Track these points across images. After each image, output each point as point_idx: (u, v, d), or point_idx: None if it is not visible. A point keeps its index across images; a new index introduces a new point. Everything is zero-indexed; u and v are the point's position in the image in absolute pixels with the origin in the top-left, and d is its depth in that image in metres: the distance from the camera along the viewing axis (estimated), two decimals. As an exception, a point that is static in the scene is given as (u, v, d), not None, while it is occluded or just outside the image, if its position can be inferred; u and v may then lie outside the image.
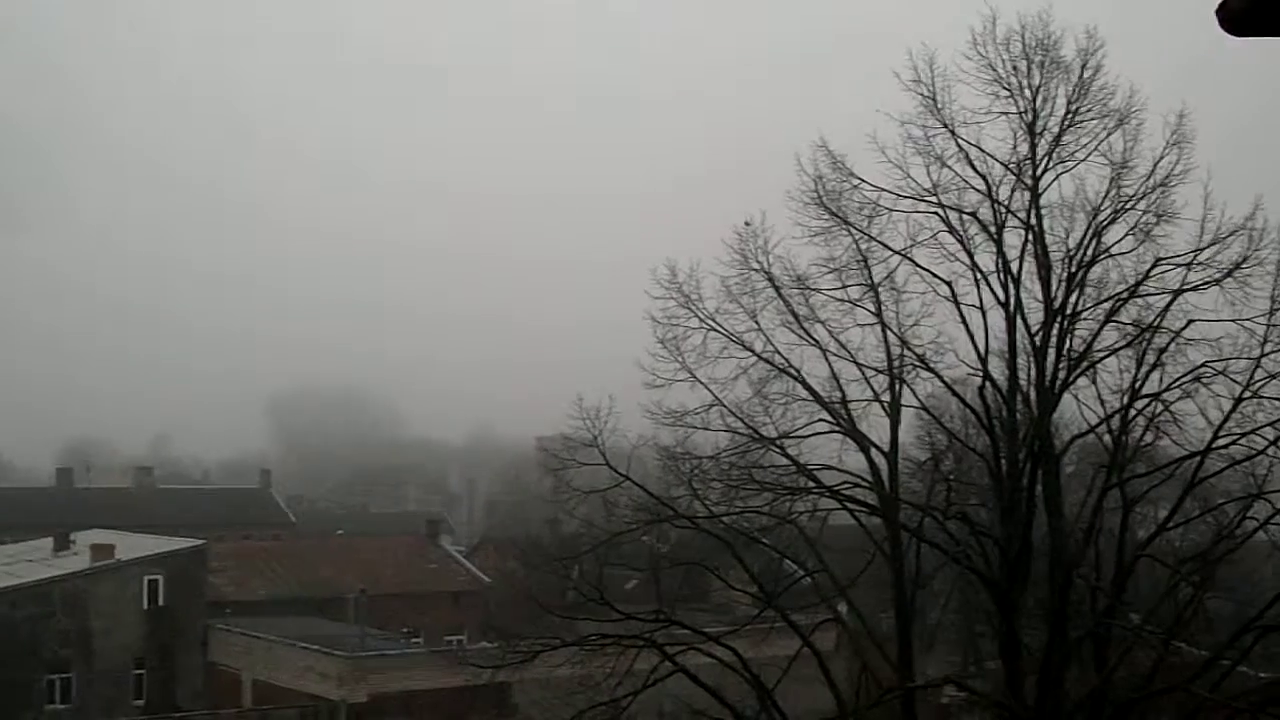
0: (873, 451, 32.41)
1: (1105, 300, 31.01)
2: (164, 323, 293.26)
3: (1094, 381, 31.51)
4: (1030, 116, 30.37)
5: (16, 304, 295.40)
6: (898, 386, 32.28)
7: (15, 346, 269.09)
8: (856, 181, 31.49)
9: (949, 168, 30.88)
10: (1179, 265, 30.20)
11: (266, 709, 54.91)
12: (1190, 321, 29.86)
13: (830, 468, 32.98)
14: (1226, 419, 29.50)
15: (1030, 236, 30.75)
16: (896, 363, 32.00)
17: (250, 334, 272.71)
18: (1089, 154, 30.62)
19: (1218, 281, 29.72)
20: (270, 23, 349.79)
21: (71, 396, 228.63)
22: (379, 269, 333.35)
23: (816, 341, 32.35)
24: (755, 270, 32.05)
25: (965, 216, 31.01)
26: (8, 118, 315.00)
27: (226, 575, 72.90)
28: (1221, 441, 29.95)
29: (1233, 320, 29.59)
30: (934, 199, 31.00)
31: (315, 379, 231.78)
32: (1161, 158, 30.07)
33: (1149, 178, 30.25)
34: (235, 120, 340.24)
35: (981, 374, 31.43)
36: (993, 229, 30.86)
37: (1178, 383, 30.22)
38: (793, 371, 32.29)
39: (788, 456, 32.48)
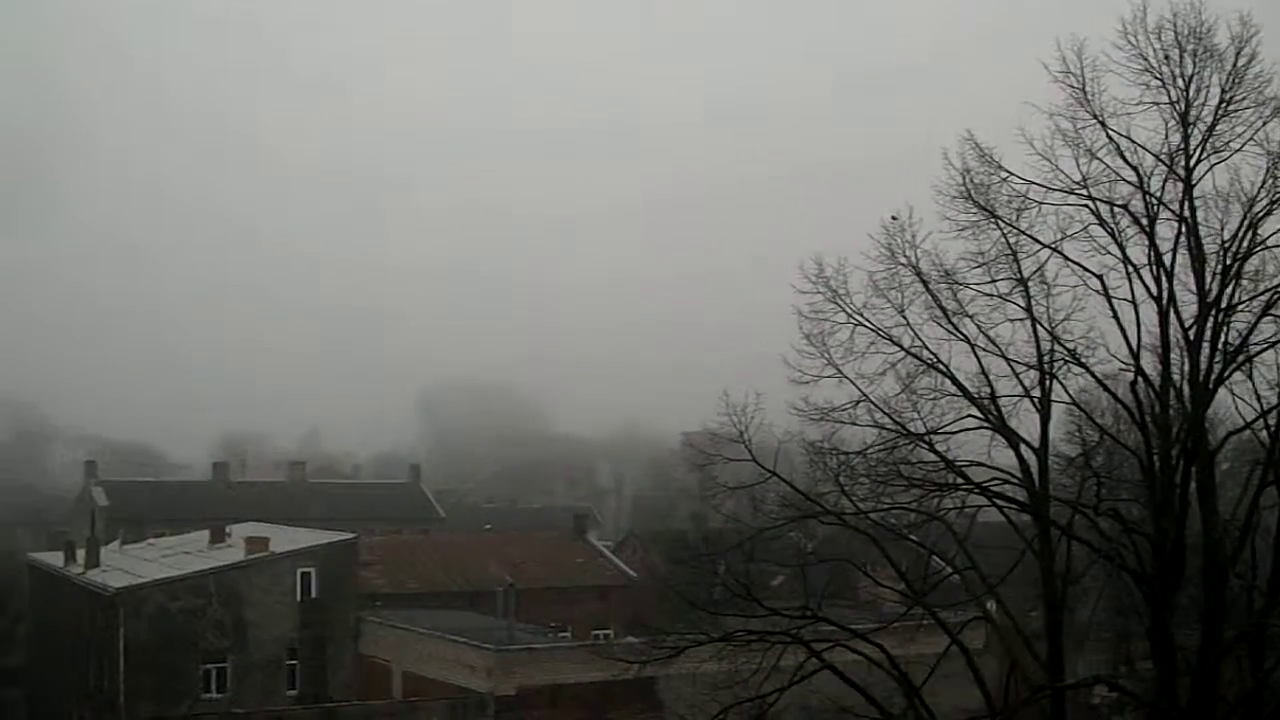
0: (1022, 448, 32.09)
1: (1262, 293, 30.37)
2: (317, 319, 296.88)
3: (1250, 376, 30.93)
4: (1183, 106, 29.83)
5: (177, 303, 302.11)
6: (1048, 382, 31.89)
7: (174, 345, 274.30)
8: (1005, 175, 31.16)
9: (1099, 160, 30.45)
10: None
11: (416, 700, 55.49)
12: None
13: (979, 464, 32.67)
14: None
15: (1183, 228, 30.22)
16: (1046, 358, 31.61)
17: (403, 330, 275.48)
18: (1244, 144, 30.01)
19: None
20: None
21: (227, 393, 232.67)
22: (534, 267, 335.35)
23: (965, 336, 32.07)
24: (902, 265, 31.83)
25: (1116, 209, 30.56)
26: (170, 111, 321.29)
27: (377, 568, 73.80)
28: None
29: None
30: (1084, 191, 30.57)
31: (466, 374, 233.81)
32: (1322, 146, 29.43)
33: (1308, 168, 29.61)
34: (391, 108, 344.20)
35: (1134, 369, 30.97)
36: (1144, 221, 30.37)
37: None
38: (941, 367, 32.05)
39: (936, 453, 32.26)
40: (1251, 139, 29.91)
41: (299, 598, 64.39)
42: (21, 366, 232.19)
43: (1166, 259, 30.33)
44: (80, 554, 75.08)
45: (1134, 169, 30.25)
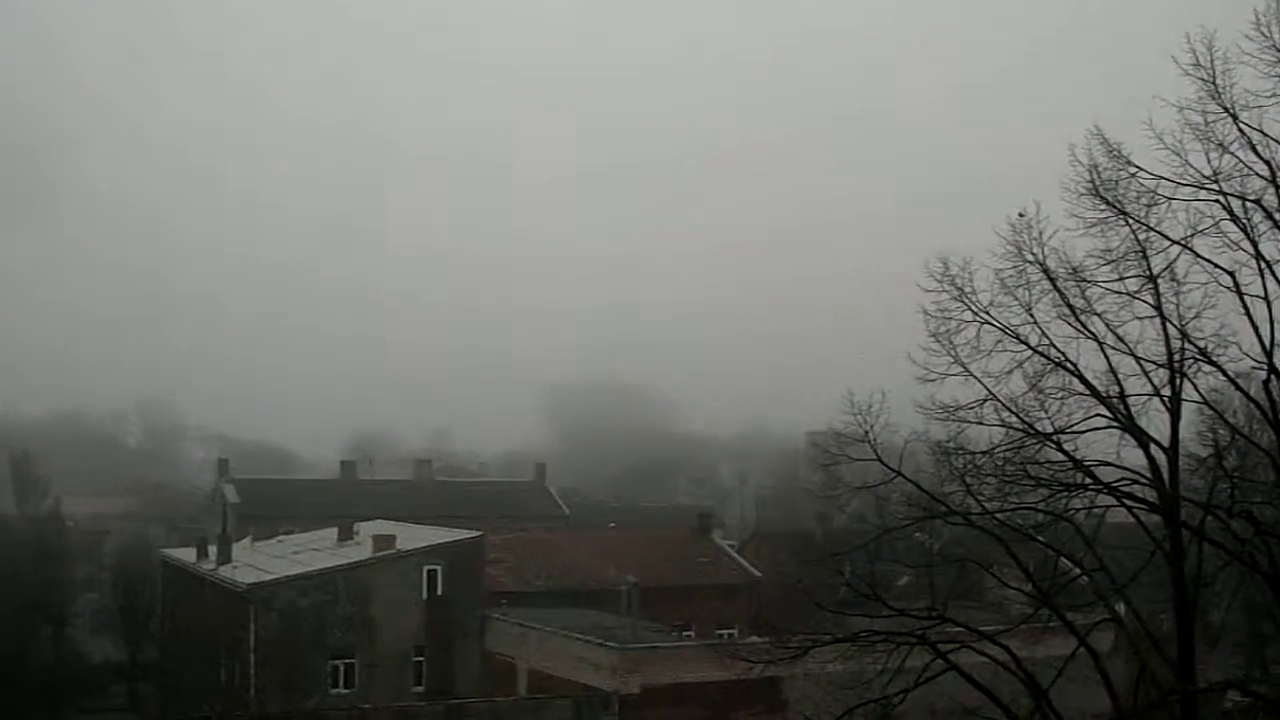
0: (1152, 447, 31.59)
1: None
2: (444, 318, 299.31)
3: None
4: (1317, 98, 29.19)
5: (307, 305, 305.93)
6: (1178, 380, 31.35)
7: (304, 345, 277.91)
8: (1134, 170, 30.68)
9: (1231, 154, 29.85)
10: None
11: (541, 697, 55.76)
12: None
13: (1108, 464, 32.20)
14: None
15: (1318, 223, 29.62)
16: (1177, 356, 31.08)
17: (530, 329, 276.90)
18: (1382, 136, 29.32)
19: None
20: None
21: (356, 392, 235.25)
22: (655, 266, 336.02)
23: (1093, 335, 31.63)
24: (1030, 262, 31.44)
25: (1248, 204, 29.97)
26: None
27: (503, 566, 74.26)
28: None
29: None
30: (1215, 186, 29.99)
31: (592, 374, 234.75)
32: None
33: None
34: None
35: (1267, 367, 30.36)
36: (1278, 216, 29.80)
37: None
38: (1069, 365, 31.64)
39: (1064, 452, 31.87)
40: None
41: (425, 595, 64.92)
42: (155, 368, 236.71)
43: (1301, 255, 29.74)
44: (212, 550, 76.35)
45: (1267, 163, 29.63)
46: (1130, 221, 30.85)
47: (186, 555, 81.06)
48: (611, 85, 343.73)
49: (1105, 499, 32.91)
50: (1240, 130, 29.61)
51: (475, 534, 69.89)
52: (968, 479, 32.16)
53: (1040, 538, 34.21)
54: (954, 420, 31.97)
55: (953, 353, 31.41)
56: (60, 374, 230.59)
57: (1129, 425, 31.58)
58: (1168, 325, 30.93)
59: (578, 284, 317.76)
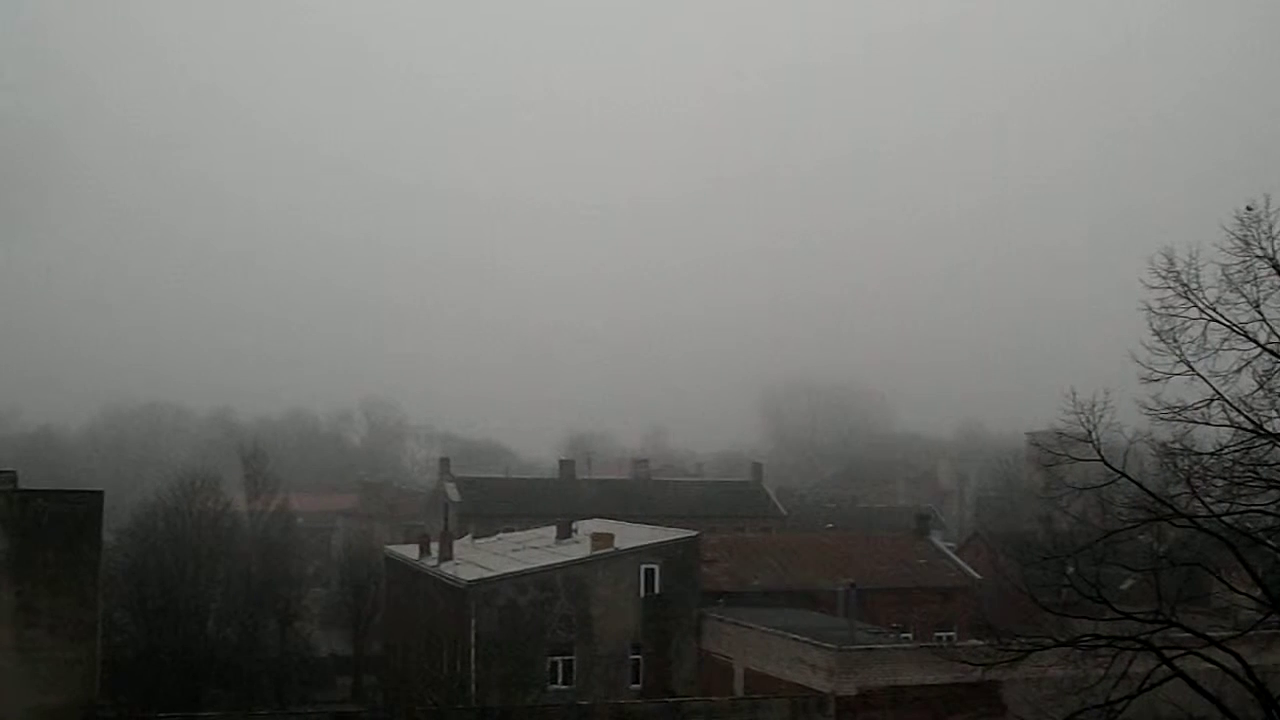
0: (1391, 449, 30.54)
1: None
2: (661, 321, 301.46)
3: None
4: None
5: (526, 307, 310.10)
6: None
7: (523, 346, 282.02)
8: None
9: None
10: None
11: (757, 697, 55.66)
12: None
13: (1342, 464, 31.22)
14: None
15: None
16: None
17: (745, 330, 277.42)
18: None
19: None
20: None
21: (575, 393, 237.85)
22: (866, 265, 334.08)
23: (1327, 332, 30.65)
24: (1259, 257, 30.53)
25: None
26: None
27: (719, 566, 74.32)
28: None
29: None
30: None
31: (808, 374, 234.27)
32: None
33: None
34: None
35: None
36: None
37: None
38: (1300, 363, 30.69)
39: (1296, 453, 30.96)
40: None
41: (643, 593, 65.25)
42: (381, 368, 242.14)
43: None
44: (434, 547, 77.73)
45: None
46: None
47: (409, 552, 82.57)
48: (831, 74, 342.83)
49: (1340, 501, 31.87)
50: None
51: (692, 533, 70.00)
52: (1194, 480, 31.36)
53: (1270, 541, 33.25)
54: (1180, 420, 31.20)
55: (1178, 351, 30.64)
56: (288, 375, 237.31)
57: (1366, 427, 30.55)
58: None
59: (791, 285, 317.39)
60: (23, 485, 47.03)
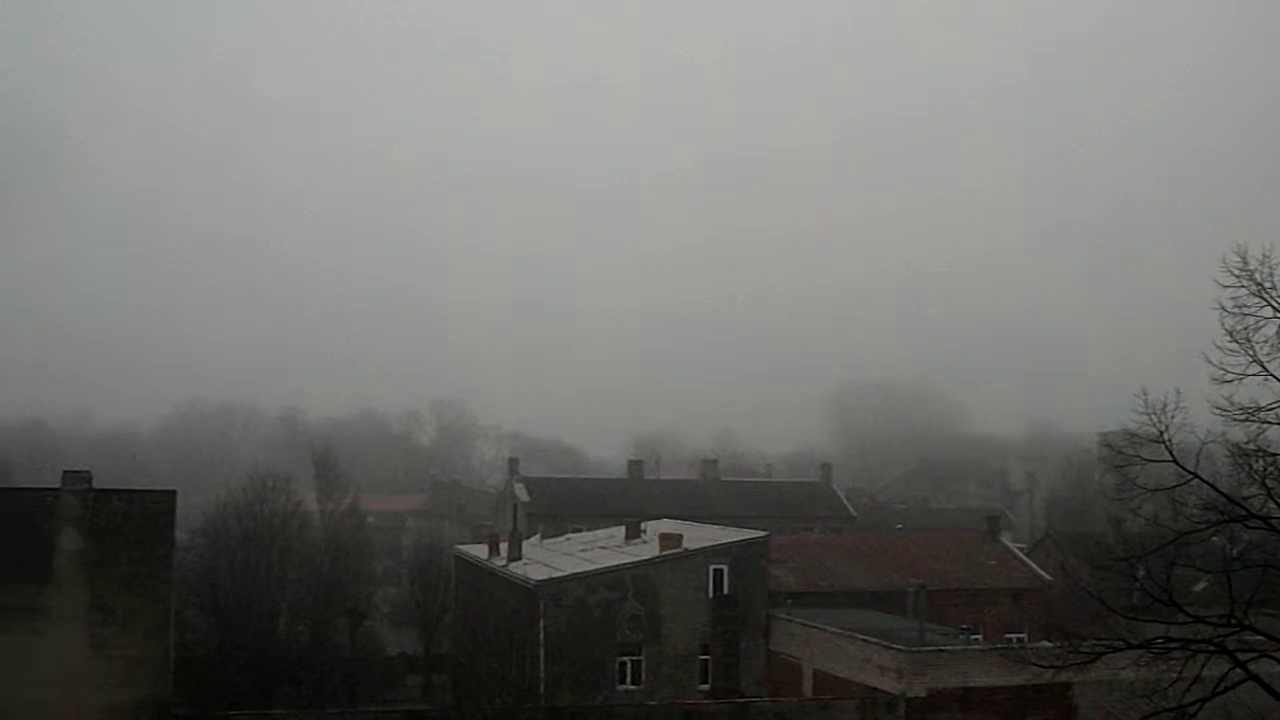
0: None
1: None
2: (729, 322, 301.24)
3: None
4: None
5: (593, 309, 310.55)
6: None
7: (591, 348, 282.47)
8: None
9: None
10: None
11: (826, 699, 55.55)
12: None
13: None
14: None
15: None
16: None
17: (814, 331, 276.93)
18: None
19: None
20: None
21: (643, 393, 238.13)
22: (937, 265, 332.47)
23: (1403, 332, 30.27)
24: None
25: None
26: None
27: (788, 566, 74.23)
28: None
29: None
30: None
31: (877, 375, 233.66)
32: None
33: None
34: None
35: None
36: None
37: None
38: (1377, 364, 30.34)
39: (1371, 456, 30.59)
40: None
41: (711, 594, 65.20)
42: (451, 368, 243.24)
43: None
44: (503, 547, 77.97)
45: None
46: None
47: (479, 551, 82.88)
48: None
49: None
50: None
51: (761, 534, 69.92)
52: (1268, 482, 31.06)
53: (1346, 544, 32.91)
54: (1253, 421, 30.92)
55: (1251, 352, 30.34)
56: (358, 377, 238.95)
57: None
58: None
59: (860, 286, 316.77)
60: (97, 485, 47.52)
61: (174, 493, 48.85)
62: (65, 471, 48.46)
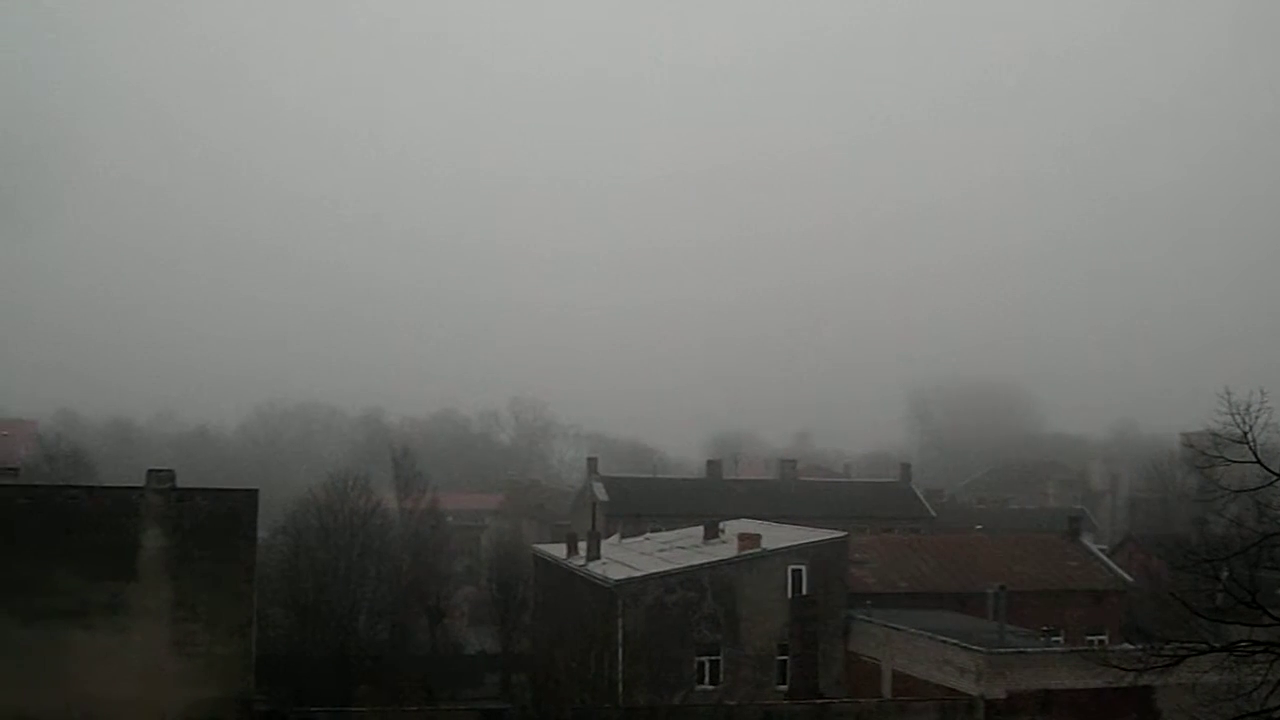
0: None
1: None
2: (806, 322, 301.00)
3: None
4: None
5: (674, 310, 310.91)
6: None
7: (671, 348, 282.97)
8: None
9: None
10: None
11: (905, 700, 55.37)
12: None
13: None
14: None
15: None
16: None
17: (892, 331, 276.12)
18: None
19: None
20: None
21: (721, 393, 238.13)
22: (1018, 266, 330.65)
23: None
24: None
25: None
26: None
27: (867, 567, 73.93)
28: None
29: None
30: None
31: (956, 374, 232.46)
32: None
33: None
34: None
35: None
36: None
37: None
38: None
39: None
40: None
41: (790, 594, 65.06)
42: (530, 368, 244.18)
43: None
44: (582, 546, 78.15)
45: None
46: None
47: (557, 551, 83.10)
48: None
49: None
50: None
51: (839, 534, 69.73)
52: (1356, 484, 30.70)
53: None
54: (1341, 422, 30.57)
55: (1339, 350, 29.98)
56: (438, 379, 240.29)
57: None
58: None
59: (936, 286, 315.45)
60: (180, 484, 48.08)
61: (256, 491, 49.32)
62: (149, 470, 49.08)
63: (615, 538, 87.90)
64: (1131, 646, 45.64)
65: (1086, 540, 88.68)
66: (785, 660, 63.94)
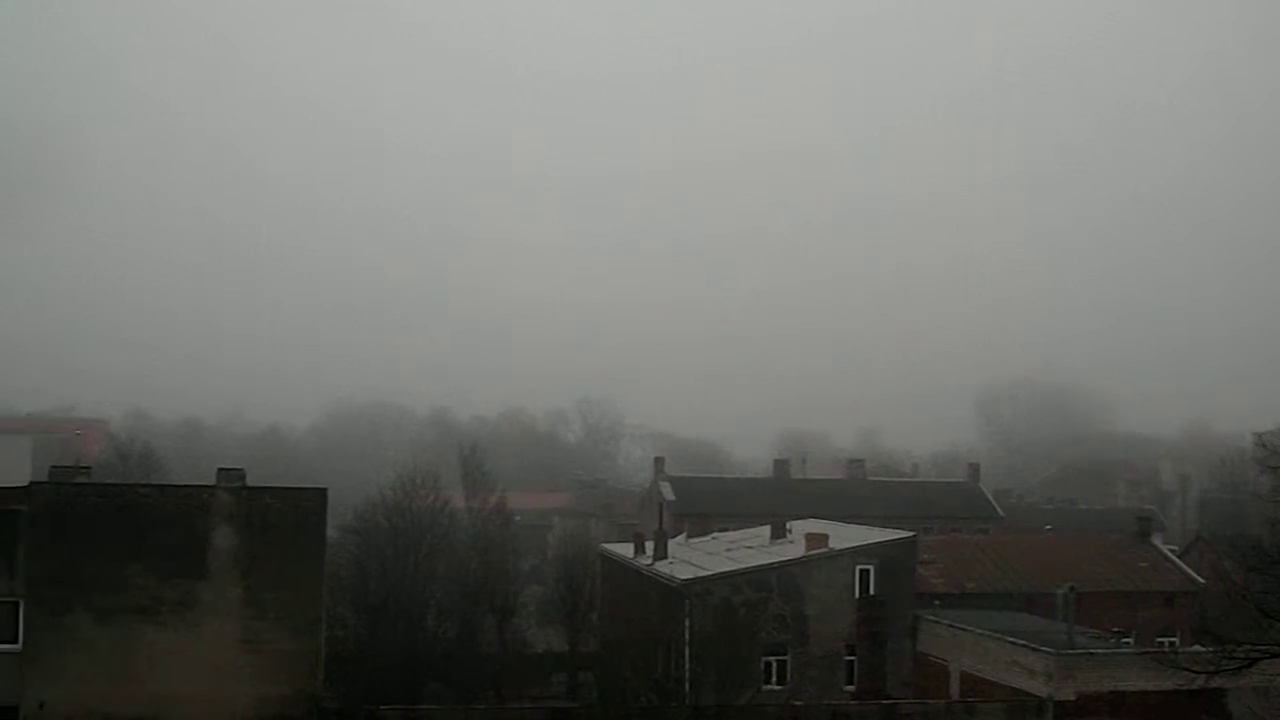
0: None
1: None
2: (878, 323, 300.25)
3: None
4: None
5: (740, 308, 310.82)
6: None
7: (741, 348, 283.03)
8: None
9: None
10: None
11: (973, 701, 55.14)
12: None
13: None
14: None
15: None
16: None
17: (961, 330, 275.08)
18: None
19: None
20: None
21: (790, 393, 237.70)
22: (1088, 263, 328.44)
23: None
24: None
25: None
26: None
27: (935, 567, 73.61)
28: None
29: None
30: None
31: (1026, 373, 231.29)
32: None
33: None
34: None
35: None
36: None
37: None
38: None
39: None
40: None
41: (857, 594, 64.88)
42: (598, 367, 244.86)
43: None
44: (649, 546, 78.18)
45: None
46: None
47: (624, 550, 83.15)
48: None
49: None
50: None
51: (907, 534, 69.48)
52: None
53: None
54: None
55: None
56: (503, 377, 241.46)
57: None
58: None
59: (1003, 283, 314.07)
60: (251, 483, 48.52)
61: (325, 490, 49.70)
62: (220, 469, 49.61)
63: (682, 537, 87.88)
64: (1203, 649, 45.27)
65: (1157, 541, 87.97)
66: (852, 660, 63.72)
